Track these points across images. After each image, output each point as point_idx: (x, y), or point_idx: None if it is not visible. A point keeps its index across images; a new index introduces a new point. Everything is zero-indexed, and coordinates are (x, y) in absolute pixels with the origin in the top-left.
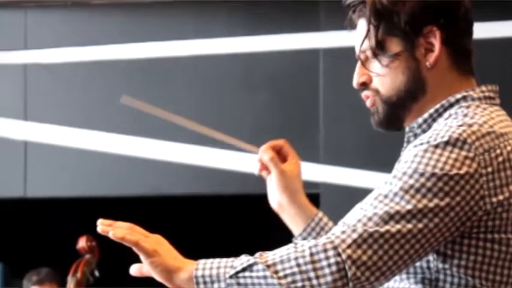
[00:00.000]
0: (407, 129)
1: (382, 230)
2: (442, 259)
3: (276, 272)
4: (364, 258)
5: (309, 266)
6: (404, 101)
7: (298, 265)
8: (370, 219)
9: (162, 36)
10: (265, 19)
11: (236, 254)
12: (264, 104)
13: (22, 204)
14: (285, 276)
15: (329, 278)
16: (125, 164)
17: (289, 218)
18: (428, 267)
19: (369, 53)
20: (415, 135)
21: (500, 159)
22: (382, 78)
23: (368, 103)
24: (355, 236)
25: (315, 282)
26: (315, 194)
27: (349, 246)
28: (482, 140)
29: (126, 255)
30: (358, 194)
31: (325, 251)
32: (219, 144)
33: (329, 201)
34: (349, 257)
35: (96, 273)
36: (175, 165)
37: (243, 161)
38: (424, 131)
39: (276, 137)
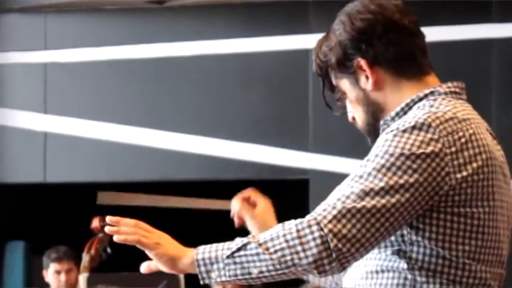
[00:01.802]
0: (381, 122)
1: (359, 205)
2: (415, 232)
3: (267, 249)
4: (344, 231)
5: (296, 241)
6: (373, 123)
7: (286, 241)
8: (347, 197)
9: (167, 38)
10: (261, 22)
11: (235, 233)
12: (259, 99)
13: (42, 188)
14: (275, 251)
15: (314, 250)
16: (135, 153)
17: None
18: (403, 240)
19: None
20: (389, 126)
21: (463, 140)
22: (354, 113)
23: None
24: (334, 212)
25: (302, 254)
26: (305, 180)
27: (330, 221)
28: (446, 124)
29: None
30: (344, 180)
31: (310, 226)
32: (221, 135)
33: (317, 187)
34: (330, 230)
35: (109, 250)
36: (181, 154)
37: (242, 150)
38: None
39: (270, 127)
